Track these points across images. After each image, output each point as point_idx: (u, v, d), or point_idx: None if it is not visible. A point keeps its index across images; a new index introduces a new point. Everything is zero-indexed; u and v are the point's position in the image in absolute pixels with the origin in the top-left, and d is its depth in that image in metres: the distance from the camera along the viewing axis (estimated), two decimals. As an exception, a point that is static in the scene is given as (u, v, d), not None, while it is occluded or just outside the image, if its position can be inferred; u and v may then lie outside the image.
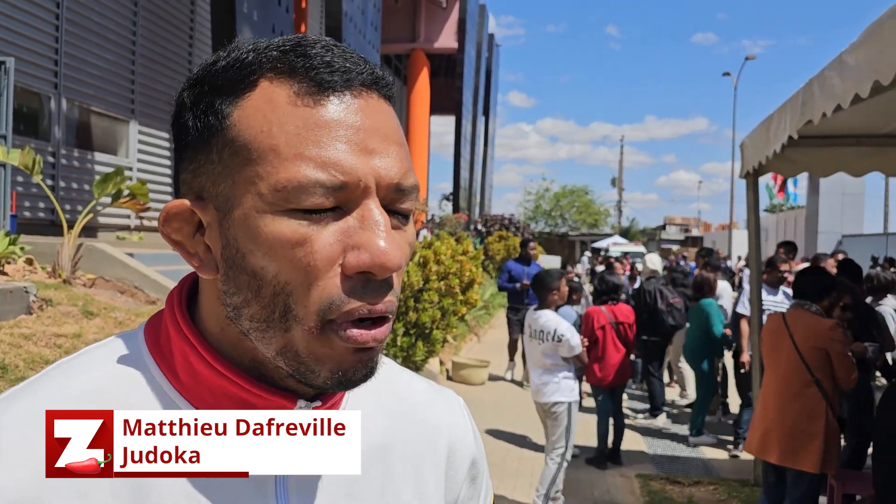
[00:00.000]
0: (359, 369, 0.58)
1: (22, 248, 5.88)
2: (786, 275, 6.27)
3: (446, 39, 26.28)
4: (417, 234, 15.02)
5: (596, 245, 35.74)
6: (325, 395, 0.64)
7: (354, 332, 0.56)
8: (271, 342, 0.57)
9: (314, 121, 0.56)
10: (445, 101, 28.92)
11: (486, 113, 36.47)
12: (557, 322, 4.50)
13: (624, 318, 5.86)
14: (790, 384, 3.63)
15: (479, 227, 24.43)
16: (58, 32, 8.67)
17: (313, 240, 0.55)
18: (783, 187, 22.90)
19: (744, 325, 6.28)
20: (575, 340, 4.46)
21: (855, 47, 2.66)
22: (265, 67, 0.58)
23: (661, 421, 7.12)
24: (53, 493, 0.54)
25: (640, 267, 8.70)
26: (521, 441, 6.39)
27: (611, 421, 5.87)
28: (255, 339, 0.58)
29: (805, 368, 3.57)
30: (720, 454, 6.17)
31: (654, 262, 8.01)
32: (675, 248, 32.34)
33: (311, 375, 0.57)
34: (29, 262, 5.77)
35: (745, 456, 5.96)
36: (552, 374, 4.51)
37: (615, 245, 32.91)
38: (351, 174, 0.55)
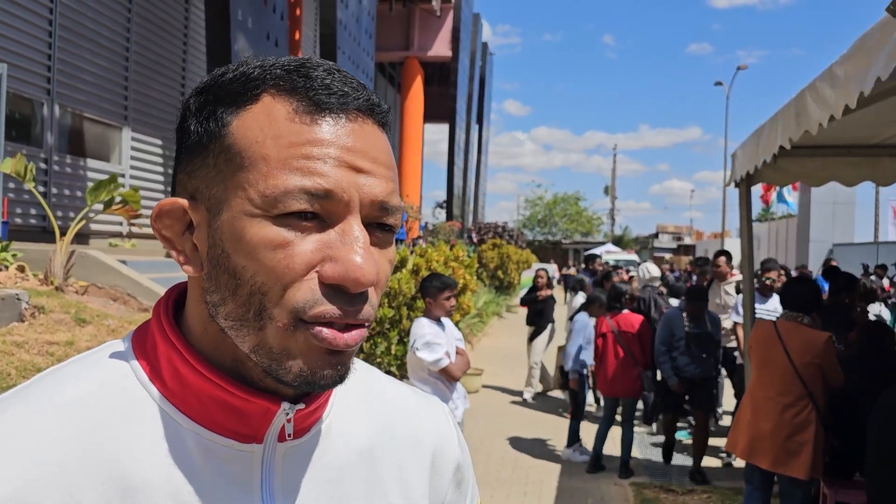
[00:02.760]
0: (328, 371, 0.59)
1: (14, 255, 5.86)
2: (773, 283, 6.46)
3: (440, 48, 26.35)
4: (413, 244, 15.01)
5: (589, 253, 35.82)
6: (308, 397, 0.65)
7: (326, 332, 0.57)
8: (246, 339, 0.59)
9: (307, 137, 0.58)
10: (439, 108, 28.98)
11: (480, 121, 36.56)
12: (418, 332, 3.96)
13: (627, 327, 5.86)
14: (784, 396, 3.75)
15: (473, 235, 24.45)
16: (51, 38, 8.65)
17: (294, 244, 0.57)
18: (767, 197, 23.07)
19: (738, 332, 6.34)
20: (432, 356, 3.85)
21: (845, 59, 2.69)
22: (269, 83, 0.61)
23: (655, 429, 7.13)
24: (42, 497, 0.55)
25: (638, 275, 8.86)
26: (515, 449, 6.38)
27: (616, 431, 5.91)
28: (232, 335, 0.60)
29: (800, 382, 3.70)
30: (714, 462, 6.18)
31: (652, 270, 8.04)
32: (667, 256, 32.42)
33: (282, 371, 0.58)
34: (21, 269, 5.74)
35: (738, 464, 5.96)
36: None
37: (608, 253, 32.99)
38: (336, 185, 0.58)
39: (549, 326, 8.78)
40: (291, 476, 0.65)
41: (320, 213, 0.58)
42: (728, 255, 7.34)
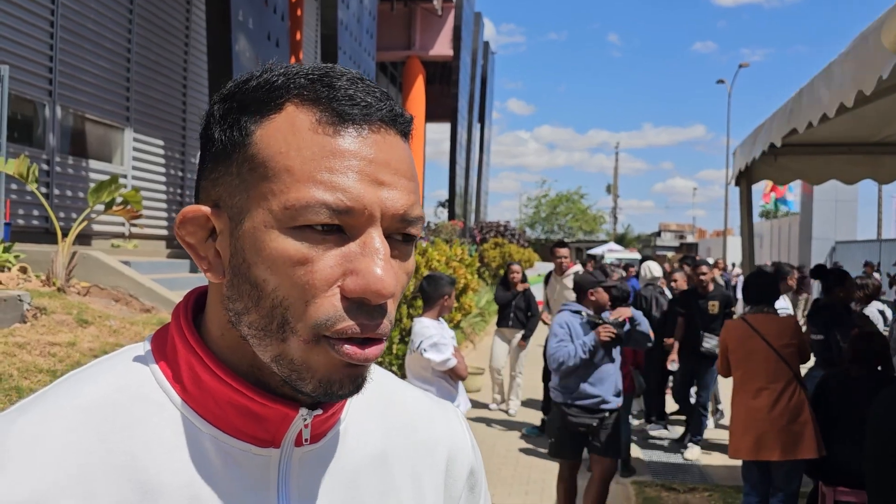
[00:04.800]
0: (346, 384, 0.60)
1: (16, 257, 5.88)
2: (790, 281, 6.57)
3: (441, 47, 26.35)
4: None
5: (591, 252, 35.80)
6: (325, 403, 0.66)
7: (348, 348, 0.58)
8: (267, 349, 0.60)
9: (330, 149, 0.58)
10: (441, 108, 28.99)
11: (482, 120, 36.55)
12: (425, 333, 3.92)
13: None
14: (776, 383, 3.89)
15: (476, 234, 24.45)
16: (52, 40, 8.67)
17: (314, 260, 0.58)
18: (775, 192, 23.02)
19: None
20: (440, 356, 3.84)
21: (843, 58, 2.69)
22: (292, 93, 0.61)
23: (657, 428, 7.13)
24: (62, 500, 0.55)
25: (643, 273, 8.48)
26: (517, 448, 6.39)
27: None
28: (253, 344, 0.61)
29: (786, 366, 3.88)
30: (716, 461, 6.18)
31: (654, 269, 8.03)
32: (670, 254, 32.37)
33: (301, 383, 0.59)
34: (23, 270, 5.76)
35: (740, 463, 5.96)
36: None
37: (610, 252, 32.98)
38: (357, 201, 0.58)
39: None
40: (308, 480, 0.66)
41: (341, 225, 0.58)
42: (563, 243, 6.72)
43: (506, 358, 7.65)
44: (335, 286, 0.58)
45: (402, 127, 0.64)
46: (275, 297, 0.58)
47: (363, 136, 0.60)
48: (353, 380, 0.60)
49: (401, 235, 0.62)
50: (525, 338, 7.63)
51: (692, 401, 6.61)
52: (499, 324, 7.78)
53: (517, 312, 7.55)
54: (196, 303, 0.69)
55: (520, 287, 7.56)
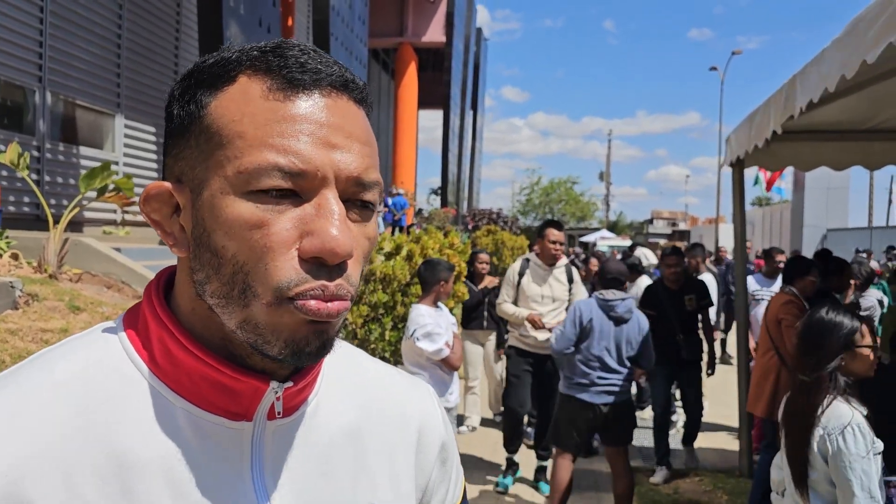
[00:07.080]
0: (312, 341, 0.60)
1: (7, 243, 5.85)
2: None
3: (434, 33, 26.24)
4: (408, 231, 15.01)
5: (583, 239, 35.85)
6: (297, 375, 0.67)
7: (311, 303, 0.58)
8: (232, 316, 0.60)
9: (282, 114, 0.60)
10: (433, 95, 28.90)
11: (475, 107, 36.46)
12: (419, 321, 3.89)
13: None
14: (761, 348, 4.50)
15: (468, 221, 24.45)
16: (42, 25, 8.59)
17: (271, 223, 0.58)
18: (771, 182, 23.04)
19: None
20: (433, 346, 3.83)
21: (835, 43, 2.70)
22: (245, 65, 0.62)
23: (648, 413, 7.18)
24: (37, 478, 0.56)
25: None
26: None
27: None
28: (219, 313, 0.61)
29: (768, 336, 4.40)
30: (707, 445, 6.23)
31: (650, 257, 8.00)
32: (662, 241, 32.46)
33: (267, 346, 0.60)
34: (14, 256, 5.74)
35: (730, 447, 6.02)
36: None
37: (602, 239, 33.03)
38: (309, 163, 0.59)
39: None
40: (281, 453, 0.67)
41: (296, 188, 0.59)
42: (559, 224, 5.06)
43: (480, 366, 6.46)
44: (293, 248, 0.59)
45: (356, 93, 0.65)
46: (235, 263, 0.59)
47: (314, 100, 0.61)
48: (319, 336, 0.60)
49: (359, 201, 0.63)
50: (501, 345, 6.28)
51: (675, 419, 6.29)
52: (467, 325, 6.37)
53: (490, 310, 6.15)
54: (168, 281, 0.70)
55: (488, 281, 6.28)
